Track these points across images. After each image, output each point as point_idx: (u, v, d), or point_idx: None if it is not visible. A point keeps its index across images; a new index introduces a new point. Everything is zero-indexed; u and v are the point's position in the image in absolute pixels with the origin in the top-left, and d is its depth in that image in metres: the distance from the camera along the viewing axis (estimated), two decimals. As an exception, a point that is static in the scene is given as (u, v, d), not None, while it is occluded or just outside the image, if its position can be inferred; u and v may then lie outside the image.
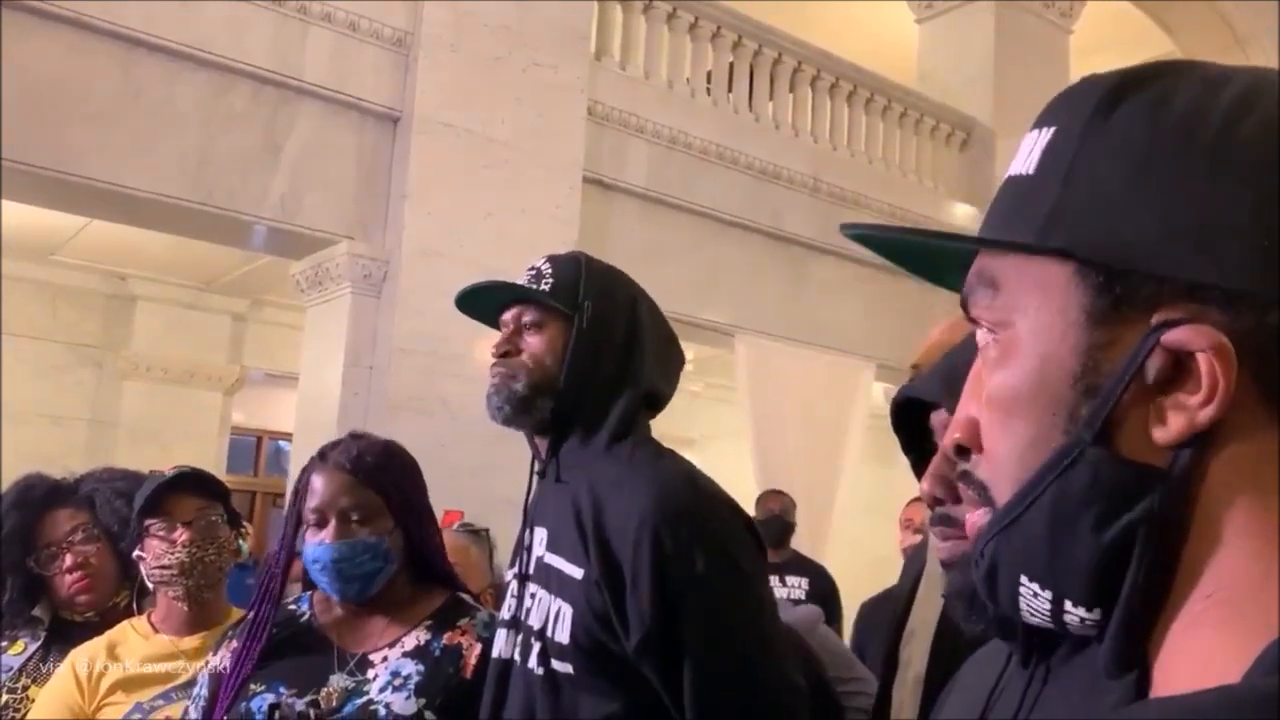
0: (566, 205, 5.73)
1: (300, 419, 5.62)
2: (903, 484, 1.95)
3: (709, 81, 7.00)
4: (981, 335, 0.64)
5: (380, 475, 1.93)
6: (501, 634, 1.73)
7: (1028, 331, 0.60)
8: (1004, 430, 0.61)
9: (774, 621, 1.64)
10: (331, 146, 5.30)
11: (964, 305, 0.66)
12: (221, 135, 4.99)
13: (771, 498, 5.45)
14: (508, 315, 1.77)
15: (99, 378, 7.98)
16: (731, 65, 7.15)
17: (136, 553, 2.18)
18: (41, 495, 2.36)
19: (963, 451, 0.66)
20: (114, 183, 4.74)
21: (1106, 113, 0.59)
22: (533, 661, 1.62)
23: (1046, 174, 0.60)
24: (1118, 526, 0.56)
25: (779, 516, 5.21)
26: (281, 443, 9.27)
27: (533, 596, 1.67)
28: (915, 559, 1.86)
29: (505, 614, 1.74)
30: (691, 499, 1.62)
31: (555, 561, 1.65)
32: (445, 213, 5.31)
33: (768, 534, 3.95)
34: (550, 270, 1.76)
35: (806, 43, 7.45)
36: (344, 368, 5.27)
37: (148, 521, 2.15)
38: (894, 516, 4.52)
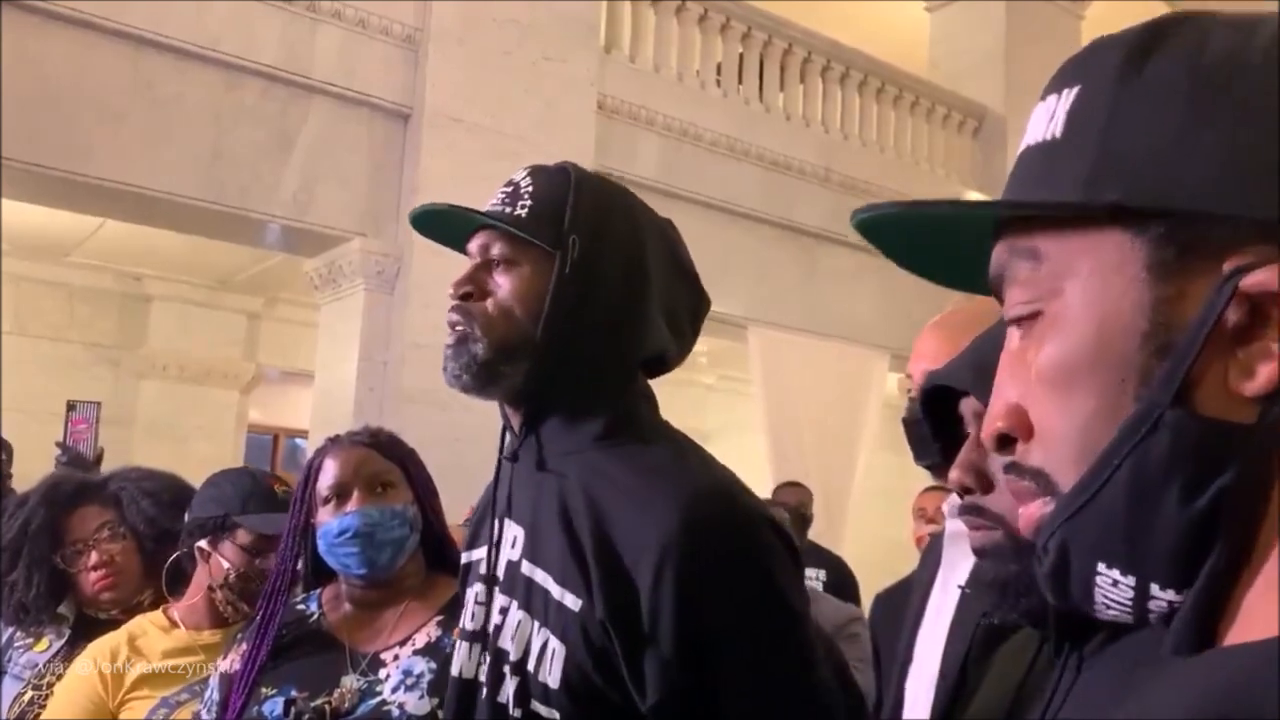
0: (578, 199, 5.72)
1: (315, 415, 5.64)
2: (917, 471, 1.93)
3: (719, 73, 6.98)
4: (1019, 309, 0.60)
5: (398, 448, 1.95)
6: (463, 647, 1.40)
7: (1080, 297, 0.57)
8: (1062, 407, 0.57)
9: (821, 661, 1.28)
10: (342, 143, 5.30)
11: (995, 288, 0.62)
12: (232, 133, 5.00)
13: (787, 491, 5.42)
14: (473, 245, 1.37)
15: (115, 376, 8.00)
16: (741, 56, 7.12)
17: (203, 544, 2.13)
18: (69, 492, 2.37)
19: (1005, 442, 0.61)
20: (125, 182, 4.76)
21: (1138, 66, 0.57)
22: (506, 696, 1.29)
23: (1079, 134, 0.58)
24: (1209, 494, 0.52)
25: (798, 511, 5.14)
26: (298, 440, 9.29)
27: (503, 612, 1.33)
28: (932, 550, 1.85)
29: (468, 623, 1.40)
30: (728, 518, 1.24)
31: (539, 578, 1.29)
32: (457, 208, 5.30)
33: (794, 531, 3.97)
34: (530, 188, 1.36)
35: (816, 33, 7.42)
36: (358, 363, 5.29)
37: (246, 533, 2.12)
38: (908, 501, 4.49)
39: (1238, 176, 0.52)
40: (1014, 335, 0.61)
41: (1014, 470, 0.61)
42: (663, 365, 1.41)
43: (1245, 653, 0.48)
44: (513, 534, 1.36)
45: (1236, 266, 0.51)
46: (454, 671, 1.41)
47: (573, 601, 1.24)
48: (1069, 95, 0.59)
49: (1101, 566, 0.55)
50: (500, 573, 1.36)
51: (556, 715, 1.25)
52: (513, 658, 1.29)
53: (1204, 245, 0.53)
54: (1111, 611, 0.57)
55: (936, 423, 1.10)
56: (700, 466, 1.30)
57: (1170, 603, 0.54)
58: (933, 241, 0.66)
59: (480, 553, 1.44)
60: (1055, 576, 0.58)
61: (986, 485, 0.89)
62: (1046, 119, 0.60)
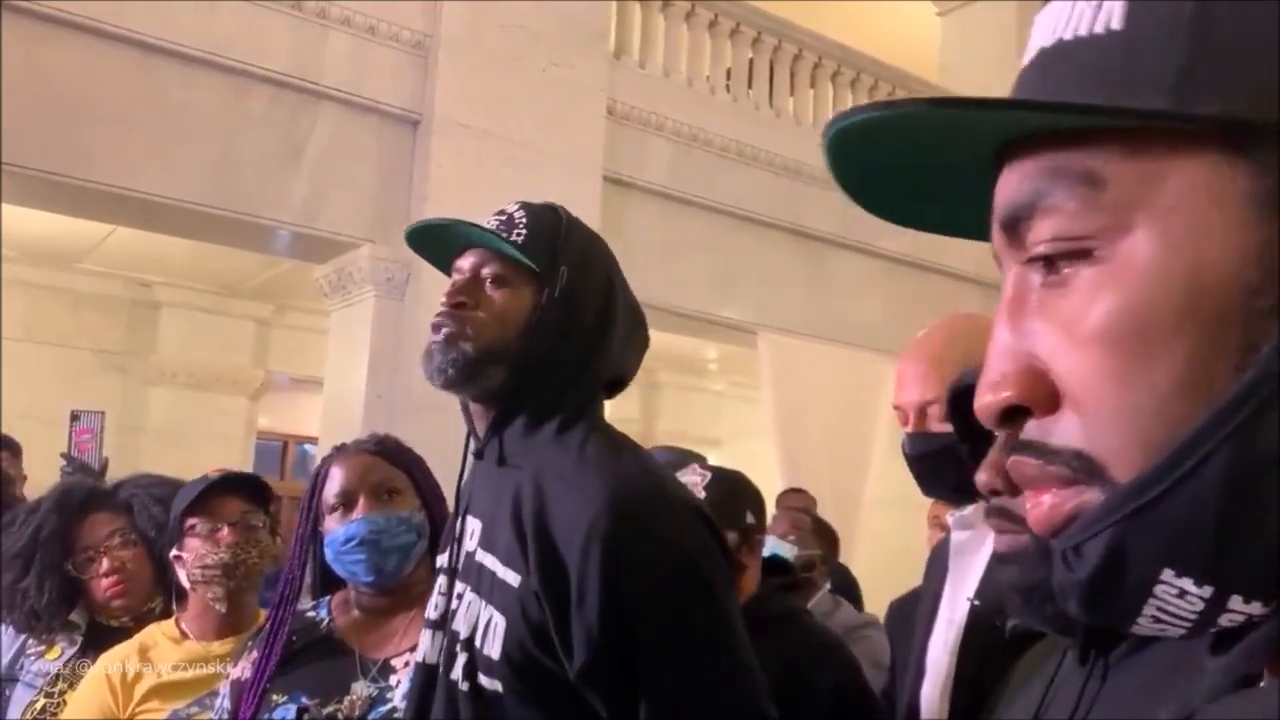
0: (586, 204, 5.71)
1: (325, 422, 5.64)
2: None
3: (728, 78, 6.98)
4: (1053, 245, 0.49)
5: (405, 455, 1.97)
6: (427, 635, 1.54)
7: (1160, 237, 0.45)
8: (1126, 375, 0.45)
9: (744, 642, 1.39)
10: (352, 149, 5.31)
11: (1009, 222, 0.50)
12: (241, 140, 5.00)
13: (791, 497, 5.39)
14: (465, 261, 1.55)
15: (124, 383, 8.02)
16: (751, 61, 7.12)
17: (174, 552, 2.17)
18: (80, 499, 2.38)
19: (1015, 415, 0.50)
20: (133, 188, 4.76)
21: None
22: (457, 673, 1.42)
23: (1152, 26, 0.46)
24: None
25: (818, 517, 5.02)
26: (307, 446, 9.30)
27: (459, 597, 1.47)
28: (938, 558, 1.84)
29: (431, 613, 1.54)
30: (652, 501, 1.39)
31: (488, 561, 1.43)
32: (466, 213, 5.20)
33: (826, 539, 3.92)
34: (524, 220, 1.53)
35: (826, 38, 7.42)
36: (368, 370, 5.28)
37: (191, 520, 2.15)
38: (919, 508, 4.46)
39: None
40: (1030, 279, 0.50)
41: (1029, 450, 0.49)
42: (617, 389, 1.59)
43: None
44: (472, 527, 1.51)
45: None
46: (418, 658, 1.54)
47: (513, 578, 1.38)
48: None
49: (1169, 574, 0.45)
50: (460, 564, 1.51)
51: (499, 686, 1.37)
52: (463, 636, 1.43)
53: None
54: (1160, 625, 0.47)
55: (961, 424, 1.08)
56: (631, 459, 1.45)
57: (1250, 616, 0.45)
58: (915, 168, 0.54)
59: (443, 557, 1.58)
60: (1097, 584, 0.47)
61: (1015, 488, 0.87)
62: (1091, 10, 0.48)
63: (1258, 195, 0.43)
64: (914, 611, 1.90)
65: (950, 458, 1.32)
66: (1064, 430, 0.48)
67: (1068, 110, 0.48)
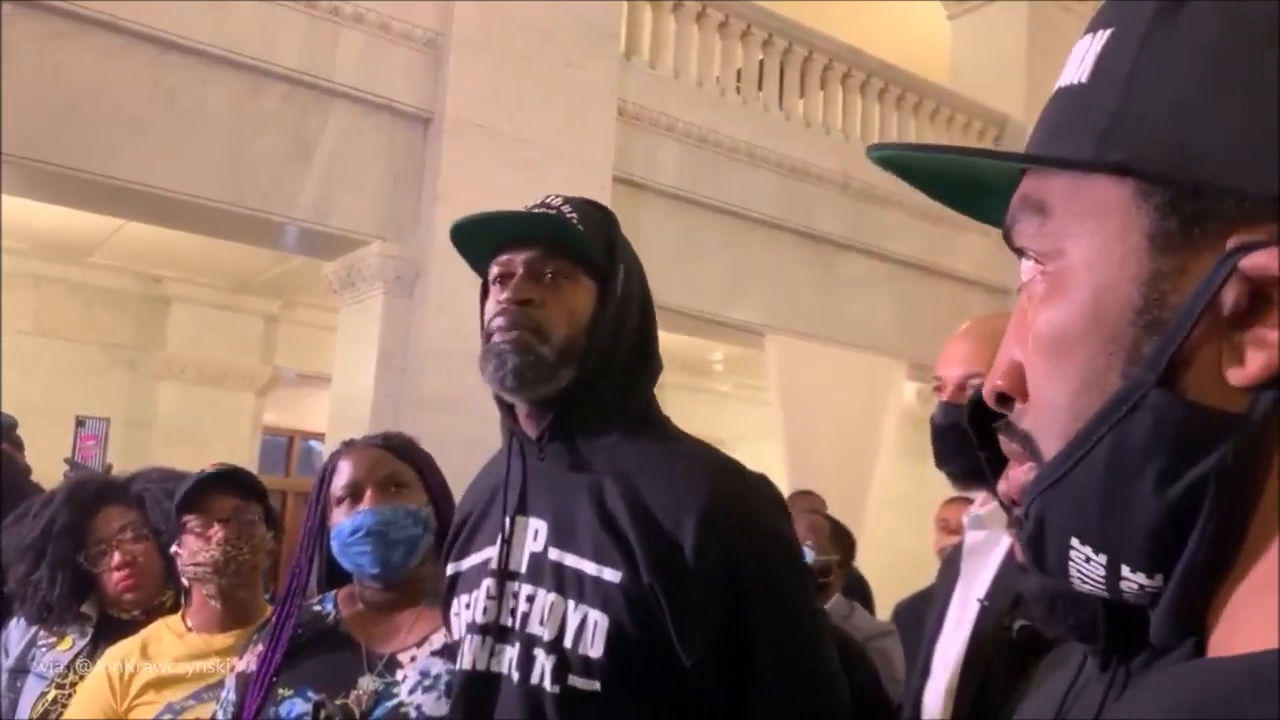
0: (596, 204, 5.72)
1: (333, 419, 5.64)
2: (935, 481, 1.91)
3: (739, 80, 6.98)
4: (1027, 268, 0.57)
5: (412, 451, 1.98)
6: (472, 640, 1.49)
7: (1080, 261, 0.53)
8: (1052, 374, 0.54)
9: (820, 611, 1.51)
10: (363, 147, 5.32)
11: (1006, 235, 0.59)
12: (253, 137, 5.01)
13: (802, 499, 5.38)
14: (519, 256, 1.48)
15: (133, 379, 8.03)
16: (761, 63, 7.12)
17: (174, 549, 2.19)
18: (93, 493, 2.40)
19: (1005, 400, 0.58)
20: (147, 184, 4.77)
21: (1174, 9, 0.51)
22: (540, 677, 1.38)
23: (1103, 81, 0.53)
24: (1185, 481, 0.49)
25: (837, 521, 4.96)
26: (313, 443, 9.31)
27: (529, 600, 1.42)
28: (951, 562, 1.84)
29: (479, 617, 1.48)
30: (746, 485, 1.45)
31: (572, 561, 1.40)
32: (475, 212, 5.30)
33: (843, 543, 3.92)
34: (576, 216, 1.50)
35: (837, 40, 7.41)
36: (376, 368, 5.29)
37: (185, 518, 2.17)
38: (925, 511, 4.47)
39: (1256, 146, 0.48)
40: (1026, 289, 0.58)
41: (1006, 430, 0.59)
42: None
43: (1228, 666, 0.47)
44: (534, 528, 1.46)
45: (1240, 244, 0.48)
46: (464, 665, 1.49)
47: (611, 574, 1.36)
48: (1102, 37, 0.55)
49: (1075, 542, 0.53)
50: (522, 566, 1.46)
51: (596, 685, 1.35)
52: (546, 638, 1.39)
53: (1209, 218, 0.49)
54: (1087, 586, 0.55)
55: (981, 429, 1.07)
56: (708, 448, 1.49)
57: (1142, 585, 0.52)
58: (961, 177, 0.63)
59: (477, 558, 1.55)
60: (1033, 545, 0.56)
61: None
62: (1079, 60, 0.55)
63: (1155, 233, 0.50)
64: (921, 614, 1.91)
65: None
66: (1026, 416, 0.57)
67: (1007, 158, 0.57)
